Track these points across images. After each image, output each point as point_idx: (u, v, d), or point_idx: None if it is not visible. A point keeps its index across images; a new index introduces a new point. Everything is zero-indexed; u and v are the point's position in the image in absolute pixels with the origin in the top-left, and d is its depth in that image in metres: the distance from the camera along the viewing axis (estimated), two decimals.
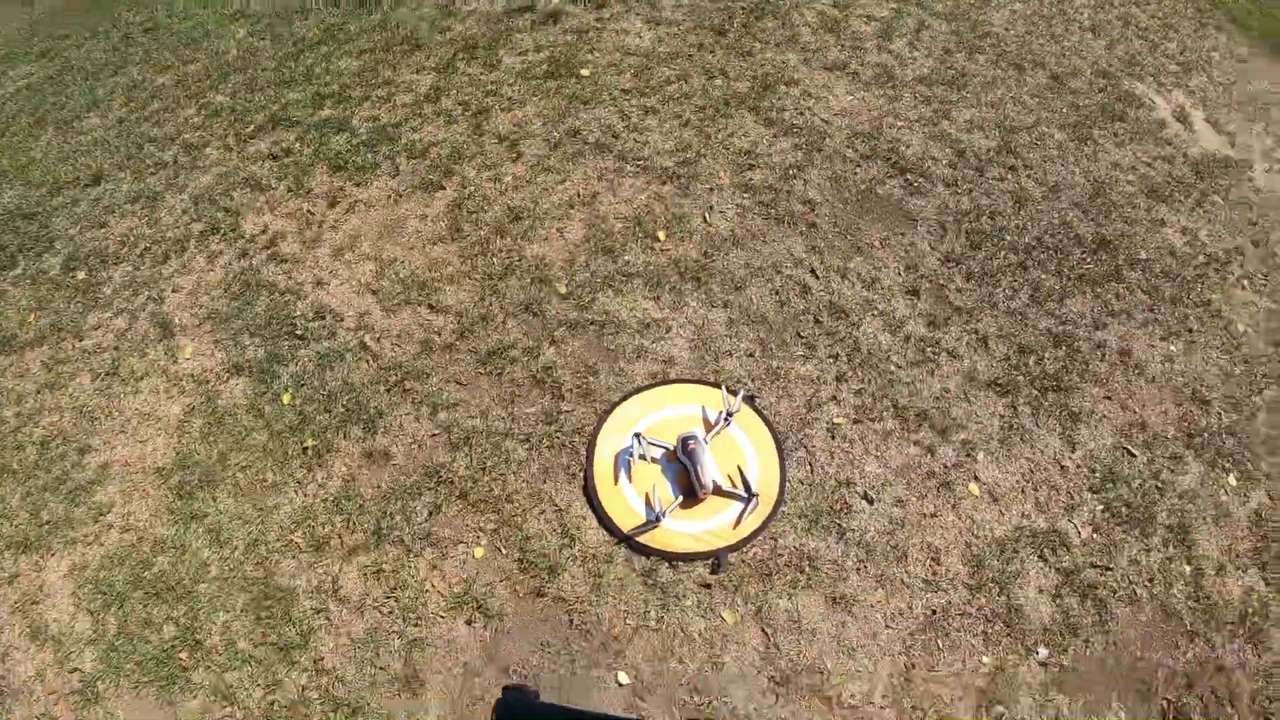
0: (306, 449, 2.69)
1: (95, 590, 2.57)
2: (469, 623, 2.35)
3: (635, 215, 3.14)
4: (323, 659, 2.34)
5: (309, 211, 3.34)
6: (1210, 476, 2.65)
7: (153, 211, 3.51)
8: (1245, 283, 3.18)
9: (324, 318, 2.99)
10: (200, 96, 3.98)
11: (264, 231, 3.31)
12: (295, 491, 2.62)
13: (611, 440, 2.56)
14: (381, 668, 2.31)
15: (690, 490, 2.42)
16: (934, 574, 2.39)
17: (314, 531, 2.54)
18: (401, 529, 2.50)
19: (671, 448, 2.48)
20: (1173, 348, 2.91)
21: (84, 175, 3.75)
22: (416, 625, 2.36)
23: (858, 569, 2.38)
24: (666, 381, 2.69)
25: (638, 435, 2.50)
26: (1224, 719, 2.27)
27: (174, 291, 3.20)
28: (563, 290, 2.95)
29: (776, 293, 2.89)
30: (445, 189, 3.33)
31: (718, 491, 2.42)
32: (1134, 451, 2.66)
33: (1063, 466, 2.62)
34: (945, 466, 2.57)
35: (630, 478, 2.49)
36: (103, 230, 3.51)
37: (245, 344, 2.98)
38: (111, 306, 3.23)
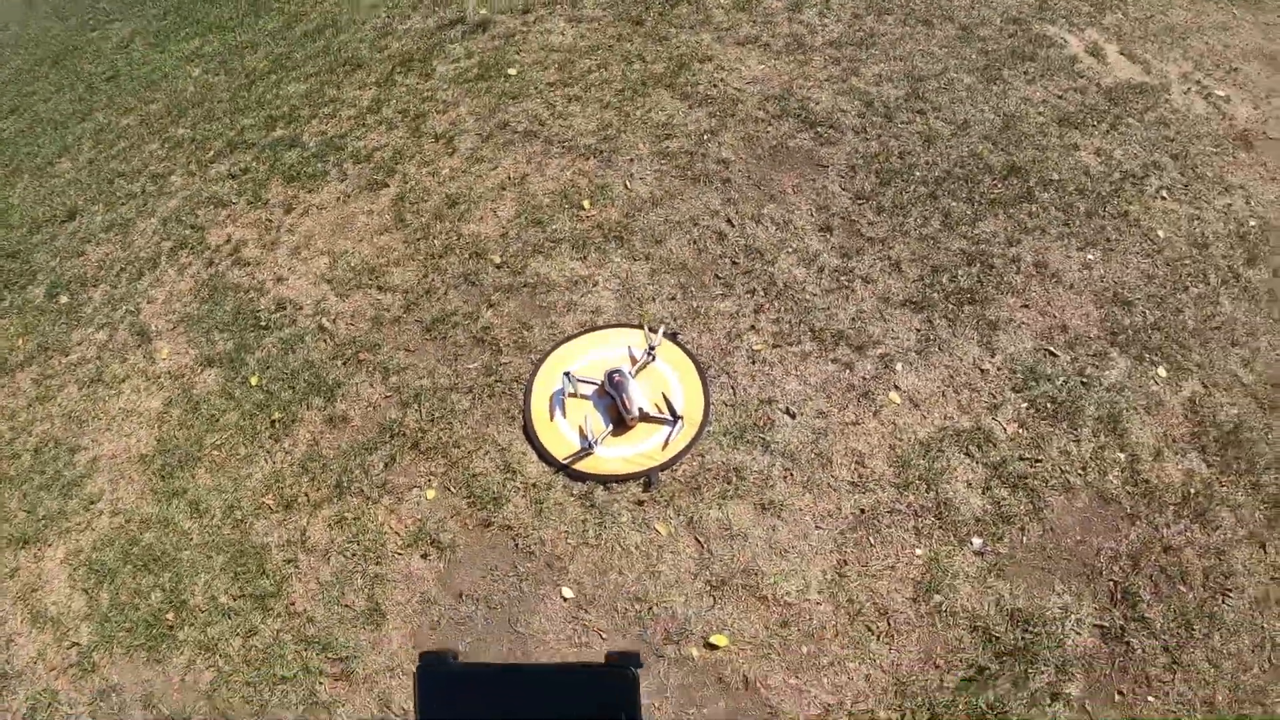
0: (274, 422, 3.04)
1: (89, 571, 2.90)
2: (424, 556, 2.66)
3: (562, 190, 3.52)
4: (294, 603, 2.66)
5: (267, 219, 3.75)
6: (1138, 370, 2.88)
7: (126, 236, 3.93)
8: (1165, 193, 3.45)
9: (285, 308, 3.37)
10: (163, 132, 4.44)
11: (227, 241, 3.71)
12: (265, 460, 2.97)
13: (546, 384, 2.90)
14: (347, 605, 2.62)
15: (619, 419, 2.74)
16: (860, 476, 2.67)
17: (283, 493, 2.88)
18: (361, 481, 2.83)
19: (600, 383, 2.81)
20: (1090, 256, 3.19)
21: (60, 212, 4.19)
22: (377, 564, 2.67)
23: (784, 477, 2.68)
24: (594, 328, 3.03)
25: (567, 374, 2.83)
26: (1177, 597, 2.46)
27: (149, 303, 3.60)
28: (497, 260, 3.32)
29: (694, 242, 3.25)
30: (389, 186, 3.74)
31: (644, 418, 2.74)
32: (1056, 352, 2.93)
33: (983, 370, 2.90)
34: (864, 379, 2.87)
35: (565, 414, 2.82)
36: (81, 258, 3.93)
37: (215, 339, 3.36)
38: (93, 323, 3.62)
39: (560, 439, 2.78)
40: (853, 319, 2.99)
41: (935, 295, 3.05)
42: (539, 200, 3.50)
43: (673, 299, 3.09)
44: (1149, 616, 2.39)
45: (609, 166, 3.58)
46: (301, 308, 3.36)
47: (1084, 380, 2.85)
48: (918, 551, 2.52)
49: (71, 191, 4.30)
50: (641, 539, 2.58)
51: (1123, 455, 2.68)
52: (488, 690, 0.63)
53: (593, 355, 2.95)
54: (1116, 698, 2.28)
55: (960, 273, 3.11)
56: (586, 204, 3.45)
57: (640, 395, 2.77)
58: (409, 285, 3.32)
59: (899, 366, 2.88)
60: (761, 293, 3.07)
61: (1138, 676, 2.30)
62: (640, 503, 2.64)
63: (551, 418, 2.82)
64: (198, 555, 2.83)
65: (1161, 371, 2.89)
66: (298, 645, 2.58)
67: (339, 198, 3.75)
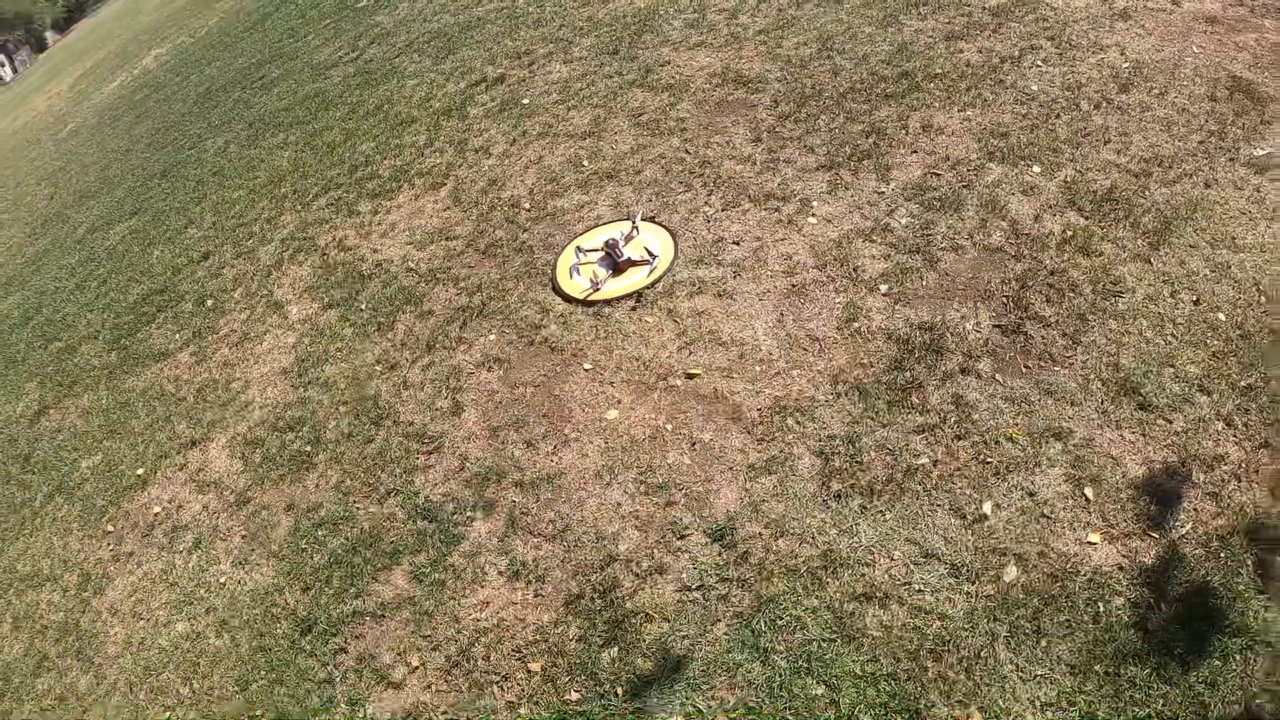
0: (379, 324, 5.12)
1: (244, 444, 4.89)
2: (489, 370, 4.58)
3: (568, 160, 5.76)
4: (399, 417, 4.56)
5: (360, 222, 6.07)
6: (1014, 172, 4.63)
7: (253, 257, 6.30)
8: (1040, 63, 5.38)
9: (381, 265, 5.57)
10: (269, 194, 6.98)
11: (333, 240, 6.03)
12: (374, 347, 5.01)
13: (567, 260, 4.93)
14: (437, 409, 4.51)
15: (615, 267, 4.72)
16: (789, 266, 4.50)
17: (388, 361, 4.88)
18: (444, 341, 4.83)
19: (601, 248, 4.83)
20: (969, 113, 5.09)
21: (195, 256, 6.65)
22: (457, 380, 4.59)
23: (734, 276, 4.55)
24: (596, 225, 5.10)
25: (579, 248, 4.88)
26: (1068, 301, 3.73)
27: (278, 287, 5.86)
28: (527, 207, 5.49)
29: (663, 168, 5.37)
30: (446, 184, 6.06)
31: (631, 262, 4.72)
32: (940, 173, 4.81)
33: (880, 193, 4.76)
34: (789, 216, 4.79)
35: (579, 273, 4.82)
36: (219, 278, 6.29)
37: (333, 293, 5.54)
38: (236, 310, 5.88)
39: (576, 287, 4.76)
40: (779, 185, 4.99)
41: (840, 159, 5.03)
42: (553, 169, 5.74)
43: (649, 202, 5.17)
44: (1043, 315, 3.78)
45: (601, 140, 5.83)
46: (393, 261, 5.56)
47: (965, 184, 4.69)
48: (837, 300, 4.30)
49: (202, 244, 6.79)
50: (637, 328, 4.47)
51: (1004, 223, 4.34)
52: None
53: (597, 239, 5.00)
54: (1024, 370, 3.67)
55: (860, 142, 5.11)
56: (586, 163, 5.66)
57: (628, 250, 4.78)
58: (467, 233, 5.51)
59: (814, 204, 4.82)
60: (711, 184, 5.12)
61: (1041, 355, 3.64)
62: (634, 309, 4.55)
63: (571, 278, 4.82)
64: (328, 410, 4.80)
65: (1036, 169, 4.60)
66: (402, 439, 4.46)
67: (412, 198, 6.08)
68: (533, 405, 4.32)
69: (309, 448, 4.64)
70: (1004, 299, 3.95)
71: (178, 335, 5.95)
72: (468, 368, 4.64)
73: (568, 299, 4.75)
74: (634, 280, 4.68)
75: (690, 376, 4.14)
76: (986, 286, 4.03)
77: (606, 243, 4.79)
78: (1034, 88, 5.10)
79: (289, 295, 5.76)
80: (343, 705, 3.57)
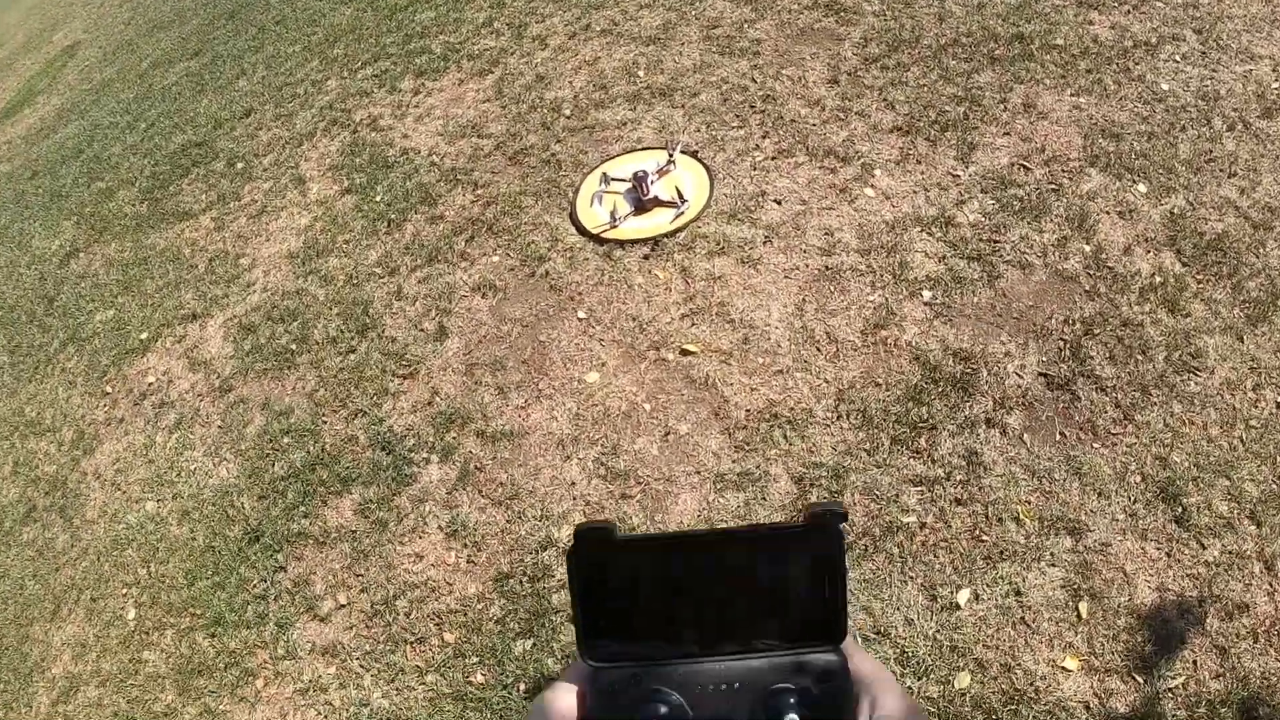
0: (390, 221, 4.78)
1: (239, 328, 4.70)
2: (483, 295, 4.21)
3: (624, 66, 5.15)
4: (383, 331, 4.27)
5: (399, 101, 5.66)
6: (1116, 185, 3.84)
7: (290, 122, 5.99)
8: (1178, 58, 4.47)
9: (407, 154, 5.18)
10: (322, 53, 6.59)
11: (368, 117, 5.64)
12: (379, 246, 4.69)
13: (591, 186, 4.43)
14: (422, 330, 4.20)
15: (640, 204, 4.21)
16: (828, 244, 3.93)
17: (388, 264, 4.57)
18: (447, 253, 4.46)
19: (629, 179, 4.31)
20: (1082, 100, 4.25)
21: (238, 112, 6.37)
22: (449, 302, 4.25)
23: (765, 242, 4.00)
24: (633, 150, 4.56)
25: (604, 174, 4.36)
26: (1134, 365, 3.10)
27: (305, 161, 5.55)
28: (567, 113, 4.96)
29: (722, 94, 4.72)
30: (493, 73, 5.54)
31: (658, 202, 4.19)
32: (1030, 167, 4.06)
33: (955, 176, 4.08)
34: (845, 180, 4.15)
35: (601, 203, 4.33)
36: (254, 140, 6.02)
37: (355, 177, 5.21)
38: (261, 178, 5.63)
39: (595, 219, 4.28)
40: (844, 141, 4.32)
41: (921, 124, 4.30)
42: (605, 73, 5.14)
43: (698, 131, 4.57)
44: (1100, 375, 3.09)
45: (664, 49, 5.18)
46: (420, 152, 5.16)
47: (1055, 188, 3.93)
48: (871, 298, 3.73)
49: (248, 99, 6.50)
50: (643, 280, 4.00)
51: (1088, 246, 3.61)
52: (661, 561, 0.58)
53: (629, 167, 4.47)
54: (1058, 437, 3.06)
55: (948, 109, 4.35)
56: (642, 74, 5.04)
57: (658, 187, 4.24)
58: (500, 133, 5.03)
59: (878, 172, 4.15)
60: (770, 125, 4.47)
61: (1084, 424, 3.02)
62: (646, 257, 4.07)
63: (591, 206, 4.34)
64: (321, 308, 4.54)
65: (1141, 188, 3.78)
66: (381, 356, 4.18)
67: (456, 83, 5.60)
68: (515, 347, 3.96)
69: (294, 345, 4.42)
70: (1061, 342, 3.32)
71: (204, 196, 5.75)
72: (462, 289, 4.28)
73: (581, 231, 4.28)
74: (656, 223, 4.17)
75: (685, 353, 3.68)
76: (1045, 322, 3.40)
77: (635, 175, 4.25)
78: (1164, 86, 4.22)
79: (313, 171, 5.45)
80: (271, 624, 3.47)
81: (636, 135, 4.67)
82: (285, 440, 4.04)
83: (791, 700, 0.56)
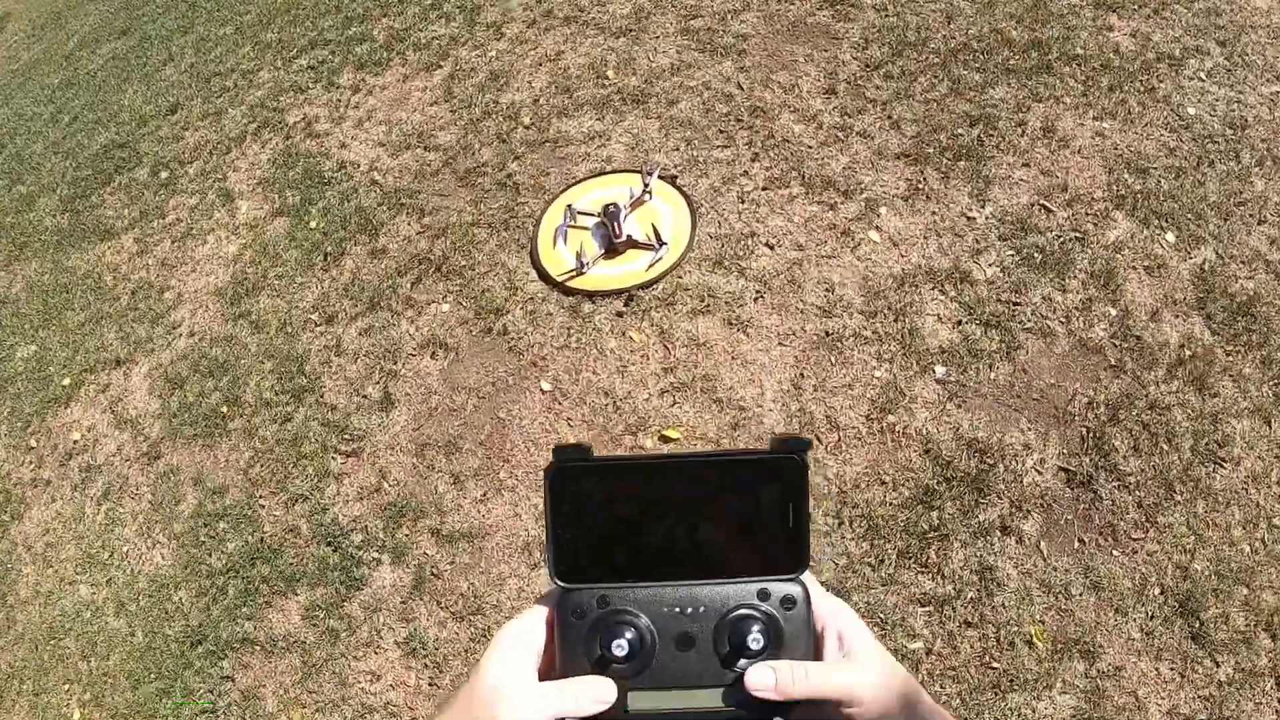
0: (326, 254, 4.00)
1: (165, 380, 3.96)
2: (433, 356, 3.49)
3: (591, 63, 4.31)
4: (323, 397, 3.56)
5: (337, 100, 4.78)
6: (1143, 233, 3.21)
7: (218, 122, 5.10)
8: (1203, 75, 3.75)
9: (345, 168, 4.36)
10: (254, 37, 5.63)
11: (302, 119, 4.78)
12: (315, 285, 3.93)
13: (554, 218, 3.67)
14: (365, 396, 3.49)
15: (612, 245, 3.46)
16: (829, 302, 3.24)
17: (326, 310, 3.81)
18: (390, 298, 3.72)
19: (598, 214, 3.55)
20: (1105, 125, 3.56)
21: (164, 107, 5.45)
22: (394, 363, 3.53)
23: (755, 299, 3.30)
24: (602, 173, 3.78)
25: (569, 207, 3.59)
26: (1159, 456, 2.71)
27: (234, 171, 4.71)
28: (526, 122, 4.14)
29: (704, 103, 3.92)
30: (442, 67, 4.67)
31: (632, 243, 3.45)
32: (1052, 208, 3.36)
33: (970, 219, 3.38)
34: (846, 220, 3.43)
35: (566, 242, 3.57)
36: (180, 143, 5.13)
37: (286, 196, 4.39)
38: (187, 191, 4.78)
39: (559, 262, 3.53)
40: (844, 169, 3.56)
41: (931, 150, 3.55)
42: (570, 72, 4.30)
43: (676, 149, 3.79)
44: (1124, 469, 2.63)
45: (636, 44, 4.33)
46: (359, 166, 4.34)
47: (1079, 235, 3.24)
48: (877, 373, 3.06)
49: (175, 91, 5.56)
50: (617, 345, 3.29)
51: (1113, 310, 3.00)
52: (633, 485, 0.59)
53: (597, 194, 3.69)
54: (1076, 545, 2.58)
55: (960, 132, 3.59)
56: (611, 73, 4.21)
57: (632, 227, 3.49)
58: (449, 144, 4.21)
59: (883, 210, 3.42)
60: (759, 145, 3.70)
61: (1103, 528, 2.59)
62: (620, 314, 3.35)
63: (554, 245, 3.59)
64: (252, 362, 3.81)
65: (1170, 237, 3.15)
66: (321, 428, 3.48)
67: (399, 79, 4.73)
68: (471, 424, 3.27)
69: (225, 407, 3.71)
70: (1084, 430, 2.77)
71: (126, 211, 4.89)
72: (409, 345, 3.55)
73: (544, 277, 3.54)
74: (629, 270, 3.43)
75: (665, 439, 3.03)
76: (1068, 405, 2.82)
77: (605, 209, 3.49)
78: (1190, 111, 3.52)
79: (243, 184, 4.61)
80: None
81: (606, 153, 3.87)
82: (221, 525, 3.41)
83: (755, 625, 0.56)
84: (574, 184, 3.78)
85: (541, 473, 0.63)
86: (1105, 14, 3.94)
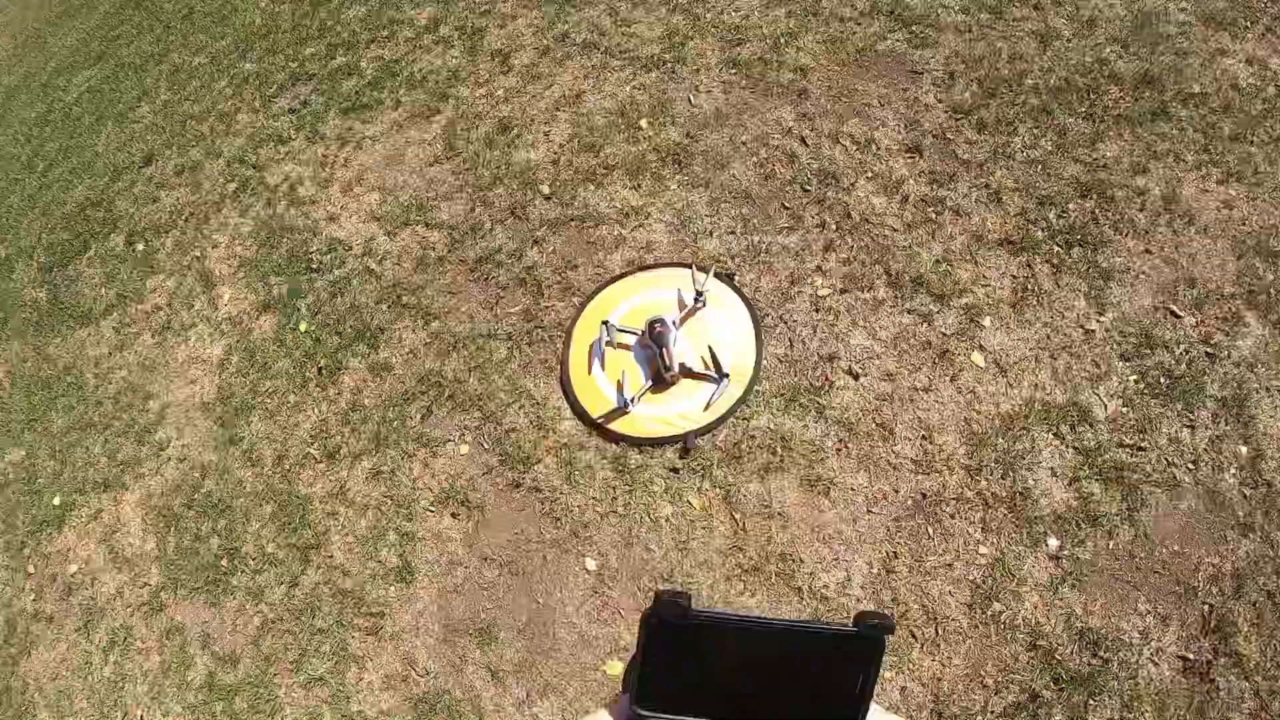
0: (321, 369, 3.26)
1: (159, 515, 3.31)
2: (454, 515, 2.79)
3: (619, 108, 3.41)
4: (332, 556, 2.89)
5: (322, 155, 3.94)
6: (1275, 342, 2.44)
7: (195, 179, 4.29)
8: None
9: (335, 250, 3.56)
10: (230, 69, 4.74)
11: (285, 180, 3.95)
12: (312, 409, 3.21)
13: (587, 331, 2.88)
14: (379, 561, 2.82)
15: (660, 375, 2.68)
16: (926, 454, 2.47)
17: (326, 443, 3.11)
18: (399, 433, 2.99)
19: (641, 331, 2.75)
20: (1232, 191, 2.67)
21: (138, 158, 4.63)
22: (409, 520, 2.84)
23: (837, 450, 2.53)
24: (643, 268, 2.96)
25: (606, 323, 2.79)
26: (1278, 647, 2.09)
27: (214, 248, 3.93)
28: (546, 191, 3.29)
29: (761, 165, 3.05)
30: (441, 112, 3.79)
31: (687, 374, 2.67)
32: (1179, 312, 2.52)
33: (1088, 331, 2.56)
34: (943, 335, 2.62)
35: (603, 366, 2.80)
36: (155, 205, 4.33)
37: (271, 283, 3.62)
38: (165, 269, 4.02)
39: (597, 394, 2.77)
40: (937, 261, 2.71)
41: (1039, 234, 2.69)
42: (594, 121, 3.42)
43: (731, 233, 2.94)
44: (1243, 652, 2.10)
45: (672, 79, 3.41)
46: (351, 248, 3.54)
47: (1210, 350, 2.44)
48: (982, 550, 2.33)
49: (149, 136, 4.73)
50: (673, 511, 2.56)
51: (1244, 449, 2.31)
52: (724, 643, 0.64)
53: (639, 299, 2.89)
54: None
55: (1072, 206, 2.72)
56: (645, 124, 3.32)
57: (684, 348, 2.70)
58: (456, 221, 3.39)
59: (986, 321, 2.60)
60: (833, 226, 2.84)
61: None
62: (675, 470, 2.60)
63: (590, 370, 2.81)
64: (250, 503, 3.14)
65: None
66: (334, 598, 2.83)
67: (392, 127, 3.86)
68: (506, 605, 2.60)
69: (225, 560, 3.07)
70: (1205, 609, 2.16)
71: (104, 291, 4.15)
72: (425, 498, 2.85)
73: (579, 413, 2.78)
74: (683, 408, 2.66)
75: None
76: (1191, 577, 2.21)
77: (651, 326, 2.69)
78: None
79: (223, 265, 3.84)
80: None
81: (645, 237, 3.04)
82: (239, 703, 2.80)
83: None
84: (608, 283, 2.97)
85: (640, 618, 0.65)
86: (1214, 32, 2.99)
